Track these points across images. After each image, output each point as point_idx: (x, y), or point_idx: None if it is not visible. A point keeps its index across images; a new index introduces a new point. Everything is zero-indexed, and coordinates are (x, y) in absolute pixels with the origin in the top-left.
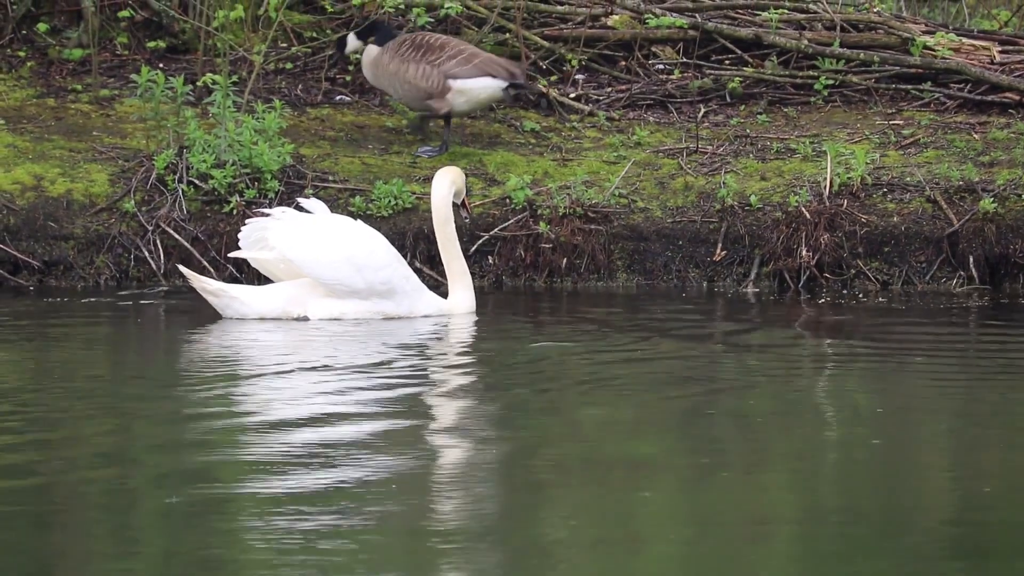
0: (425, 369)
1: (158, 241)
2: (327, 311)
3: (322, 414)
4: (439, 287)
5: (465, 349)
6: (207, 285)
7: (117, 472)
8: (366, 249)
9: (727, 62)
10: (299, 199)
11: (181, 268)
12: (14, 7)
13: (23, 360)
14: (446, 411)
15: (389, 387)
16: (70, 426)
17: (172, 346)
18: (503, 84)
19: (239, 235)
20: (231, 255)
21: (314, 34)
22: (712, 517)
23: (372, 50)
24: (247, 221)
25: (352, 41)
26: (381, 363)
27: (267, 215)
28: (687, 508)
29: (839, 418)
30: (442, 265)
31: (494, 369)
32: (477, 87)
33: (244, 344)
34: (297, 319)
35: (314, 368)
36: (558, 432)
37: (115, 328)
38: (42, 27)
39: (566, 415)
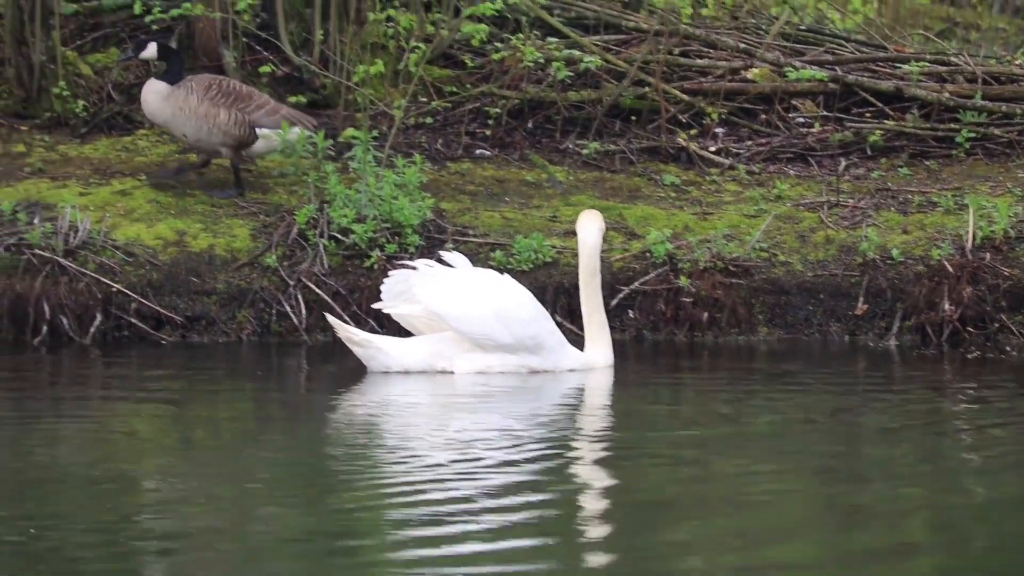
0: (577, 428)
1: (299, 296)
2: (473, 365)
3: (480, 485)
4: (576, 340)
5: (609, 405)
6: (353, 336)
7: (264, 528)
8: (513, 303)
9: (868, 115)
10: (441, 252)
11: (328, 318)
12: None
13: (168, 416)
14: (601, 473)
15: (543, 446)
16: (217, 485)
17: (320, 401)
18: (309, 133)
19: (382, 288)
20: (374, 307)
21: (454, 88)
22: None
23: (161, 86)
24: (390, 273)
25: (151, 49)
26: (532, 420)
27: (411, 268)
28: (833, 557)
29: (987, 474)
30: (581, 318)
31: (640, 426)
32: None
33: (393, 399)
34: (442, 372)
35: (467, 427)
36: (706, 490)
37: (260, 382)
38: None
39: (714, 471)
